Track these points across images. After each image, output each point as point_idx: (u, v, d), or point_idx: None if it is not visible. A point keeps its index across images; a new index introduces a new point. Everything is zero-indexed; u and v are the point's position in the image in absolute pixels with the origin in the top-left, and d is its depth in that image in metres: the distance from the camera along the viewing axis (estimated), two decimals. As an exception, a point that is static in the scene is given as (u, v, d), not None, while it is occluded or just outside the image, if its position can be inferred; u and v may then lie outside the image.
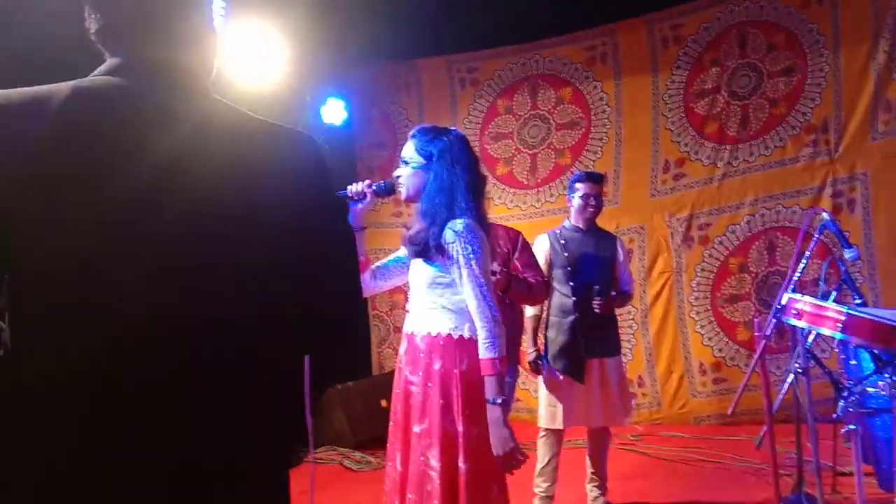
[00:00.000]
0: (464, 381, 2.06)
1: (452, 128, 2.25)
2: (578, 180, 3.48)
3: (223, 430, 1.02)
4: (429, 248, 2.09)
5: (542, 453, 3.48)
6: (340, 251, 1.19)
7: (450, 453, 2.02)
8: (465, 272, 2.04)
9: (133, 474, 0.95)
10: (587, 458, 3.63)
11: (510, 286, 2.92)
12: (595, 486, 3.59)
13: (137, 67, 1.05)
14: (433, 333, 2.12)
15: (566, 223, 3.58)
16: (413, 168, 2.17)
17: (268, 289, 1.05)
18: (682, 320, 5.34)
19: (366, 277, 2.37)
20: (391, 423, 2.22)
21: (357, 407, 5.14)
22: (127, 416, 0.95)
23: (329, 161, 1.22)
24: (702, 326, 5.30)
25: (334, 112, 5.64)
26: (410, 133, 2.24)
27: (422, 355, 2.12)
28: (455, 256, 2.05)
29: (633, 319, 5.45)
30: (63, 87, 0.98)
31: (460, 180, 2.11)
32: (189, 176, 1.00)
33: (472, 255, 2.03)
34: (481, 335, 2.02)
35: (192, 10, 1.09)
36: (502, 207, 5.76)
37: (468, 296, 2.05)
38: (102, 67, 1.05)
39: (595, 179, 3.48)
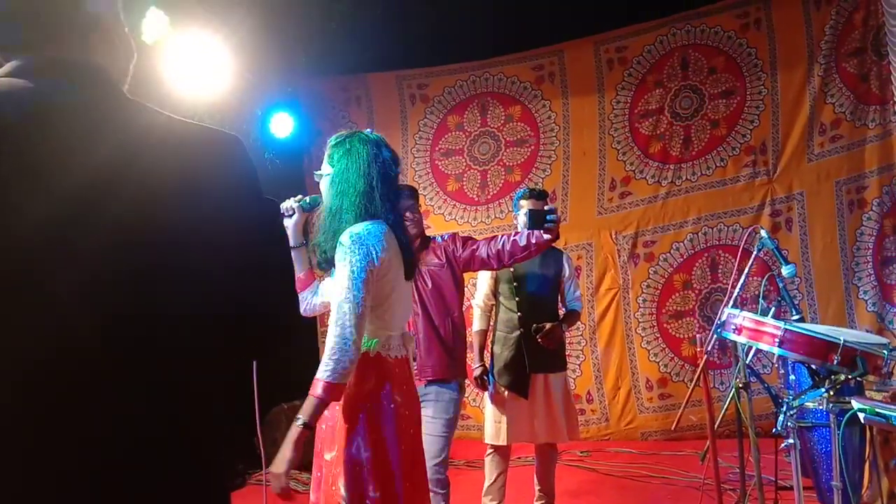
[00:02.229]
0: (365, 402, 1.91)
1: (364, 130, 2.13)
2: (523, 197, 3.47)
3: (157, 441, 0.98)
4: (327, 262, 1.97)
5: (489, 471, 3.47)
6: (275, 256, 1.16)
7: (358, 482, 1.87)
8: (337, 283, 1.87)
9: (61, 481, 0.92)
10: (535, 475, 3.61)
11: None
12: None
13: (41, 67, 1.00)
14: None
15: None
16: (325, 179, 2.07)
17: (203, 296, 1.02)
18: (629, 336, 5.41)
19: (306, 295, 2.24)
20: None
21: (303, 426, 5.01)
22: (57, 421, 0.92)
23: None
24: (648, 342, 5.38)
25: (282, 125, 5.56)
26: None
27: None
28: (336, 267, 1.91)
29: (581, 335, 5.49)
30: None
31: (355, 186, 1.97)
32: (118, 183, 0.96)
33: (349, 267, 1.85)
34: (326, 352, 1.81)
35: (82, 5, 1.04)
36: (452, 223, 5.76)
37: (332, 308, 1.87)
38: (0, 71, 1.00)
39: (539, 196, 3.47)
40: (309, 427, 1.78)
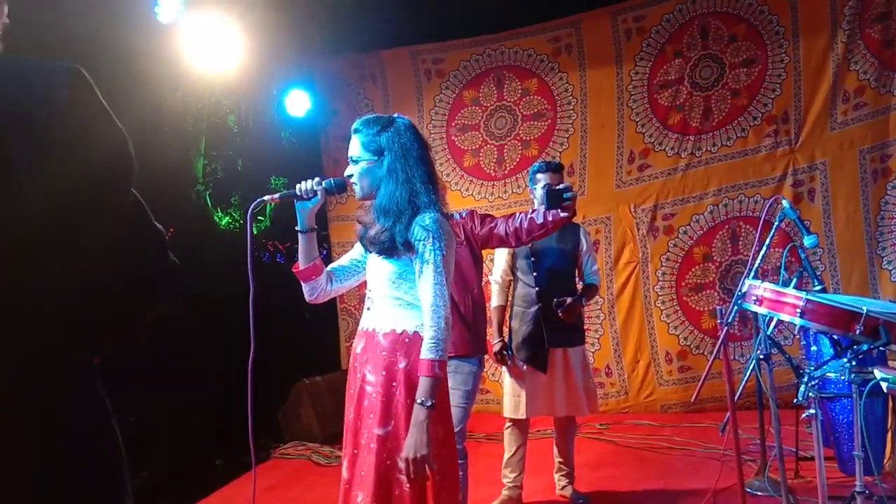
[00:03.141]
0: None
1: (396, 115, 2.14)
2: (539, 171, 3.45)
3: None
4: (395, 247, 2.00)
5: (508, 444, 3.49)
6: (106, 208, 0.99)
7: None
8: (427, 268, 1.97)
9: None
10: (554, 447, 3.64)
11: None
12: (563, 476, 3.60)
13: None
14: (398, 331, 2.02)
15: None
16: (364, 166, 2.07)
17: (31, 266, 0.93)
18: (649, 310, 5.39)
19: (321, 281, 2.23)
20: (344, 427, 2.11)
21: (325, 402, 5.09)
22: None
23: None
24: (667, 315, 5.35)
25: (298, 103, 5.56)
26: (353, 128, 2.13)
27: (384, 353, 2.01)
28: (421, 251, 1.97)
29: (600, 309, 5.48)
30: None
31: (416, 171, 2.03)
32: None
33: (438, 252, 1.96)
34: (427, 333, 1.94)
35: None
36: (469, 199, 5.74)
37: (424, 292, 1.97)
38: None
39: (555, 169, 3.46)
40: (435, 407, 1.90)
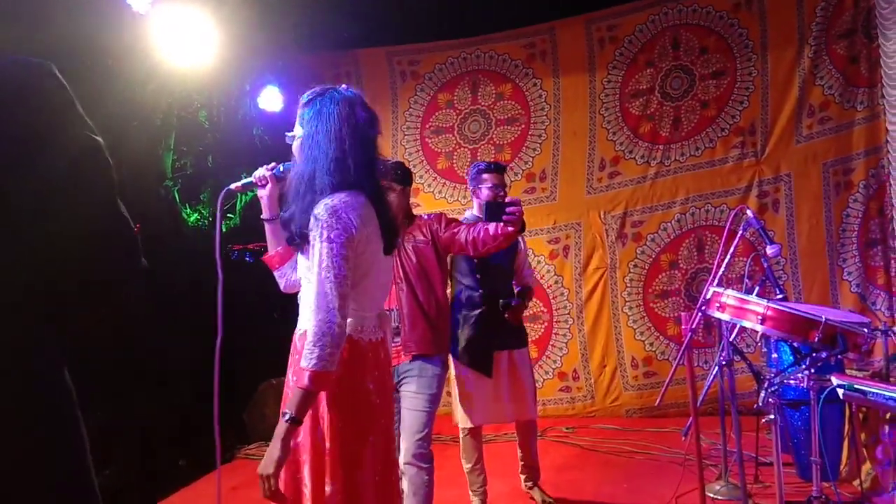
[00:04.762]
0: (332, 388, 1.75)
1: (340, 86, 1.91)
2: (486, 171, 3.39)
3: None
4: (297, 238, 1.81)
5: (467, 454, 3.45)
6: (81, 200, 0.99)
7: (319, 472, 1.76)
8: (312, 262, 1.72)
9: None
10: (518, 448, 3.66)
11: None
12: (528, 476, 3.63)
13: None
14: (300, 331, 1.83)
15: (468, 214, 3.49)
16: (295, 142, 1.88)
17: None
18: (616, 315, 5.46)
19: (284, 269, 2.09)
20: None
21: (291, 402, 5.05)
22: None
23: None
24: (634, 321, 5.42)
25: (271, 100, 5.52)
26: None
27: (297, 356, 1.79)
28: (311, 243, 1.74)
29: (568, 314, 5.53)
30: None
31: (327, 148, 1.78)
32: None
33: (325, 242, 1.70)
34: (308, 337, 1.68)
35: None
36: (442, 201, 5.76)
37: (308, 289, 1.74)
38: None
39: (501, 170, 3.44)
40: (297, 421, 1.67)
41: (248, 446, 4.95)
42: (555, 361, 5.55)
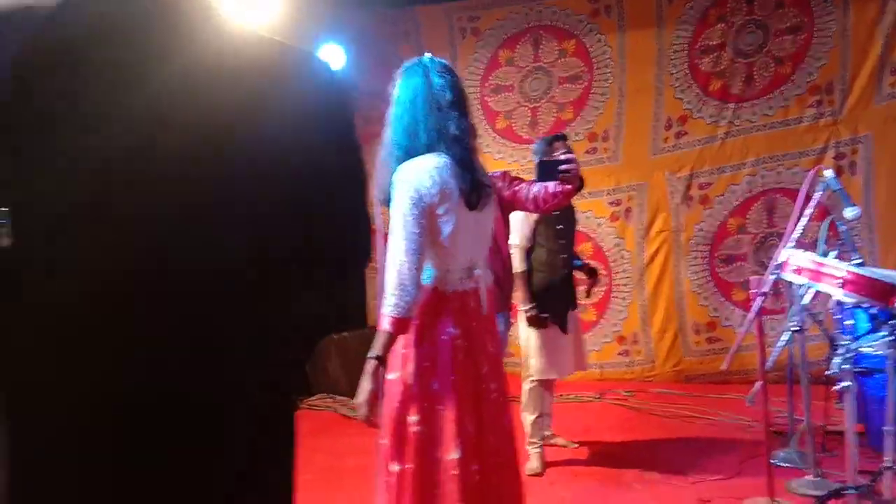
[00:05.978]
0: (415, 332, 1.98)
1: (425, 55, 2.06)
2: (556, 139, 3.56)
3: (214, 368, 0.97)
4: (384, 201, 1.99)
5: (534, 404, 3.58)
6: (349, 193, 1.09)
7: (405, 404, 1.96)
8: (393, 221, 1.91)
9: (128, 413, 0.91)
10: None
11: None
12: (547, 426, 3.79)
13: None
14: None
15: None
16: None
17: (270, 231, 0.98)
18: (679, 280, 5.34)
19: None
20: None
21: (352, 356, 5.15)
22: (118, 352, 0.91)
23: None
24: (699, 286, 5.30)
25: (331, 58, 5.52)
26: None
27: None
28: (392, 205, 1.94)
29: (629, 277, 5.44)
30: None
31: (401, 119, 1.98)
32: (192, 105, 0.92)
33: (398, 204, 1.90)
34: (388, 288, 1.87)
35: None
36: (501, 162, 5.69)
37: (390, 244, 1.91)
38: None
39: (564, 139, 3.61)
40: (381, 359, 1.86)
41: (311, 398, 5.11)
42: (614, 325, 5.48)
